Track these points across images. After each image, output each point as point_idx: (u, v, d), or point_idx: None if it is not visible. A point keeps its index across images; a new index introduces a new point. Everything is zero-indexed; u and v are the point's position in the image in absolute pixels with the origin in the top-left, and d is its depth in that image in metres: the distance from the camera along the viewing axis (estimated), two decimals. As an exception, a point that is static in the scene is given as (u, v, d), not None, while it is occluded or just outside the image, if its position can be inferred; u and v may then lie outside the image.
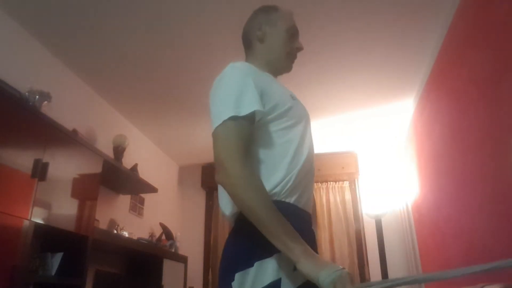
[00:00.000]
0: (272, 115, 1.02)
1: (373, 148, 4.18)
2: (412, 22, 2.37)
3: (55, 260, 2.13)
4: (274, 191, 0.97)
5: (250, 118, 0.97)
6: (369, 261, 3.85)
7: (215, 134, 0.96)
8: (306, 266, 0.81)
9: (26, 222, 1.87)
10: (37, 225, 1.93)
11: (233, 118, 0.94)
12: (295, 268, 0.86)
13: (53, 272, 2.10)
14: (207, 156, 4.45)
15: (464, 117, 2.16)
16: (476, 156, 2.03)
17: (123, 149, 3.08)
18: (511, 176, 1.66)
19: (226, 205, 1.04)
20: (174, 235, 3.79)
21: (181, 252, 3.83)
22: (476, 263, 2.12)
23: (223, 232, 4.35)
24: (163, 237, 3.64)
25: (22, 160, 1.92)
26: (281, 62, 1.23)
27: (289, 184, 0.98)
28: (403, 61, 2.76)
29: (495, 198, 1.84)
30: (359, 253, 3.95)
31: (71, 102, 2.77)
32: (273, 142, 1.02)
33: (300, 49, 1.25)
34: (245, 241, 0.95)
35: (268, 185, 0.95)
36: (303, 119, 1.11)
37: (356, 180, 4.20)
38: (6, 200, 1.78)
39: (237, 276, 0.91)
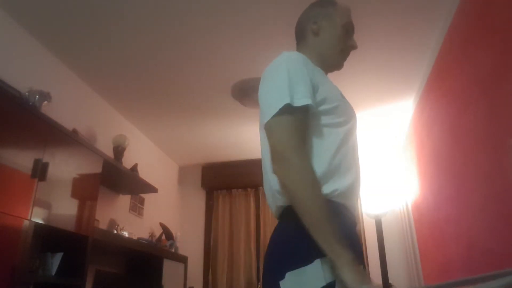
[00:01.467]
0: (320, 107, 0.99)
1: (373, 148, 4.18)
2: (412, 22, 2.37)
3: (55, 260, 2.13)
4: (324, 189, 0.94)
5: (304, 111, 0.94)
6: (369, 261, 3.85)
7: (270, 125, 0.93)
8: (349, 276, 0.78)
9: (26, 222, 1.87)
10: (37, 225, 1.93)
11: (289, 109, 0.92)
12: None
13: (53, 272, 2.10)
14: (207, 156, 4.45)
15: (464, 117, 2.16)
16: (476, 156, 2.03)
17: (123, 149, 3.08)
18: (511, 176, 1.65)
19: (273, 197, 1.01)
20: (174, 235, 3.79)
21: (181, 252, 3.83)
22: (476, 263, 2.12)
23: (223, 232, 4.35)
24: (163, 237, 3.64)
25: (22, 160, 1.92)
26: (334, 58, 1.20)
27: (342, 185, 0.96)
28: (403, 61, 2.76)
29: (495, 198, 1.84)
30: (359, 253, 3.94)
31: (71, 102, 2.77)
32: (321, 136, 0.99)
33: (354, 47, 1.22)
34: (301, 237, 0.88)
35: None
36: (352, 118, 1.10)
37: (356, 180, 4.20)
38: (6, 200, 1.78)
39: (289, 274, 0.85)
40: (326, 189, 0.94)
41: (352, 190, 0.99)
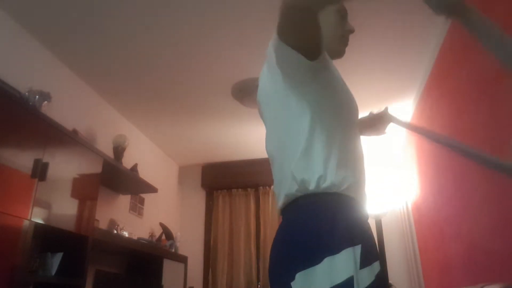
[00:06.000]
0: (329, 88, 1.07)
1: (373, 148, 4.18)
2: (412, 22, 2.37)
3: (55, 260, 2.13)
4: (335, 182, 0.91)
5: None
6: (369, 261, 3.85)
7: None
8: None
9: (26, 222, 1.87)
10: (37, 225, 1.93)
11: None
12: (361, 267, 0.82)
13: (53, 272, 2.10)
14: (207, 156, 4.45)
15: (464, 117, 2.16)
16: (476, 156, 2.03)
17: (123, 149, 3.08)
18: (511, 176, 1.65)
19: (285, 182, 0.97)
20: (174, 235, 3.79)
21: (181, 252, 3.83)
22: (476, 263, 2.12)
23: (223, 232, 4.35)
24: (163, 237, 3.64)
25: (22, 160, 1.92)
26: (335, 44, 1.20)
27: (351, 177, 0.95)
28: (403, 61, 2.76)
29: (495, 198, 1.84)
30: (359, 253, 3.94)
31: (71, 102, 2.77)
32: (336, 130, 1.00)
33: (351, 31, 1.22)
34: (308, 235, 0.86)
35: (327, 172, 0.91)
36: (353, 104, 1.16)
37: (356, 180, 4.20)
38: (6, 200, 1.78)
39: (300, 275, 0.82)
40: (336, 178, 0.91)
41: (359, 184, 0.98)
